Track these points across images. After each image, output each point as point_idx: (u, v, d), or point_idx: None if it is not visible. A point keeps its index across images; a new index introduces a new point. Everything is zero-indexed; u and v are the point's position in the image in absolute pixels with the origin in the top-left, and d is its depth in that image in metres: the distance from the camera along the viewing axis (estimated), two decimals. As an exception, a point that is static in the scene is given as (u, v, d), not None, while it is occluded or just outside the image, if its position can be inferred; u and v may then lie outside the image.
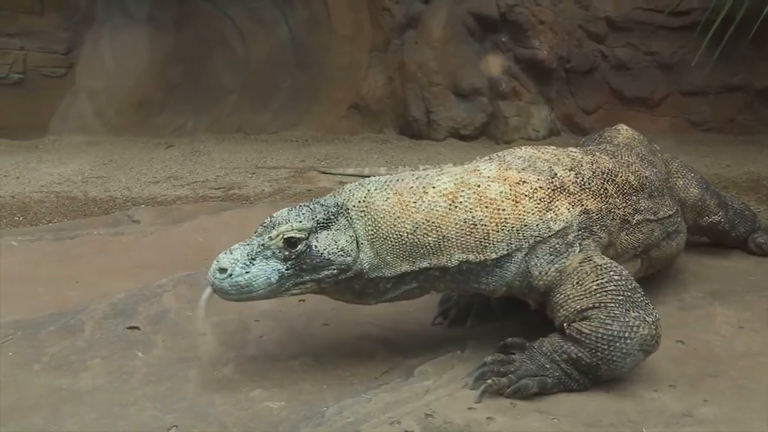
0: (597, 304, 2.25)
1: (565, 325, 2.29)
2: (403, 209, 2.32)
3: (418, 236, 2.31)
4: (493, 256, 2.35)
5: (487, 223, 2.34)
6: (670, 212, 2.91)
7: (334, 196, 2.41)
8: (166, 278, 3.21)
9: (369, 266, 2.32)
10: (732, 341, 2.66)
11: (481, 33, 8.39)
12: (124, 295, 3.06)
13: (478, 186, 2.39)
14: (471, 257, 2.34)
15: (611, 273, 2.30)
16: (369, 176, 2.59)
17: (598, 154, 2.80)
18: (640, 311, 2.25)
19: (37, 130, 8.09)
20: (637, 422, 2.12)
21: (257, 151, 7.83)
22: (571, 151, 2.74)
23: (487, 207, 2.35)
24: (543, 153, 2.65)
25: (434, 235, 2.32)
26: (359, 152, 7.81)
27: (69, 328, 2.78)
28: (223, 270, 2.23)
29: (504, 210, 2.36)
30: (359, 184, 2.42)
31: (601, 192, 2.58)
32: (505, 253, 2.36)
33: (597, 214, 2.51)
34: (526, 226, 2.37)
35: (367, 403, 2.22)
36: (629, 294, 2.27)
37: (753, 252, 3.56)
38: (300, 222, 2.28)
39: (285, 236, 2.25)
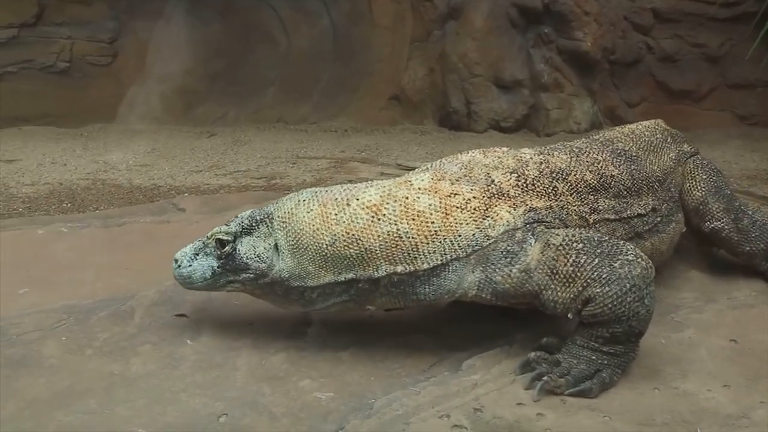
0: (585, 284, 2.24)
1: (570, 316, 2.30)
2: (323, 221, 2.35)
3: (338, 248, 2.33)
4: (425, 266, 2.33)
5: (415, 236, 2.32)
6: (641, 212, 2.77)
7: (272, 205, 2.51)
8: (213, 267, 3.23)
9: (289, 275, 2.39)
10: (787, 342, 2.60)
11: (524, 24, 8.31)
12: (172, 283, 3.07)
13: (406, 198, 2.37)
14: (399, 268, 2.33)
15: (574, 245, 2.29)
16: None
17: (556, 153, 2.71)
18: (619, 257, 2.25)
19: (83, 118, 8.22)
20: (692, 422, 2.09)
21: (298, 141, 7.87)
22: (520, 152, 2.68)
23: (414, 220, 2.33)
24: (486, 157, 2.61)
25: (355, 248, 2.32)
26: (399, 143, 7.80)
27: (119, 314, 2.82)
28: (175, 261, 2.55)
29: (433, 223, 2.34)
30: (294, 195, 2.49)
31: (550, 191, 2.53)
32: (440, 263, 2.34)
33: (547, 210, 2.47)
34: (460, 236, 2.34)
35: (416, 396, 2.22)
36: (599, 250, 2.27)
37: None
38: (229, 226, 2.48)
39: (216, 237, 2.47)
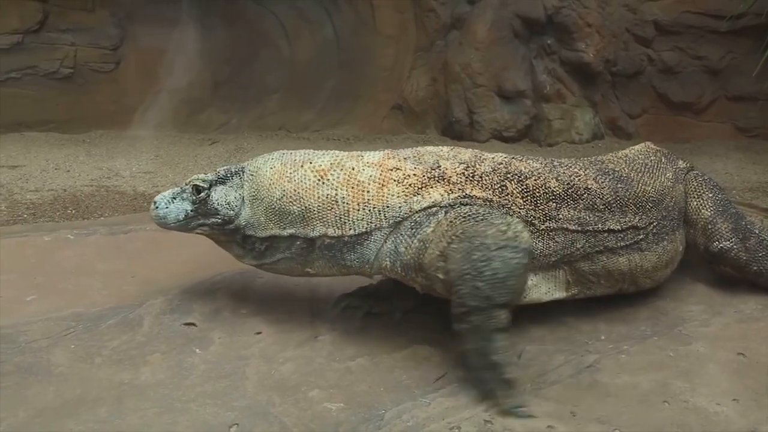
0: (450, 240, 2.32)
1: (439, 275, 2.36)
2: (279, 177, 2.61)
3: (284, 203, 2.58)
4: (351, 232, 2.51)
5: (349, 202, 2.51)
6: (615, 227, 2.77)
7: (248, 161, 2.77)
8: (220, 276, 3.25)
9: (245, 223, 2.66)
10: (795, 356, 2.61)
11: (527, 35, 8.33)
12: (179, 291, 3.11)
13: (352, 169, 2.56)
14: (330, 231, 2.52)
15: (464, 210, 2.39)
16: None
17: (529, 161, 2.76)
18: (488, 221, 2.31)
19: (86, 124, 8.22)
20: (702, 436, 2.10)
21: (300, 149, 7.86)
22: (483, 153, 2.75)
23: (353, 188, 2.52)
24: (450, 152, 2.71)
25: (298, 205, 2.55)
26: (401, 152, 7.79)
27: (128, 322, 2.83)
28: (154, 203, 2.81)
29: (368, 192, 2.51)
30: (269, 154, 2.74)
31: (496, 186, 2.58)
32: (364, 230, 2.50)
33: (483, 201, 2.52)
34: (388, 207, 2.49)
35: (426, 408, 2.23)
36: (482, 217, 2.35)
37: None
38: (206, 174, 2.76)
39: (193, 184, 2.74)
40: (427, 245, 2.40)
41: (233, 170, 2.75)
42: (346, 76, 8.82)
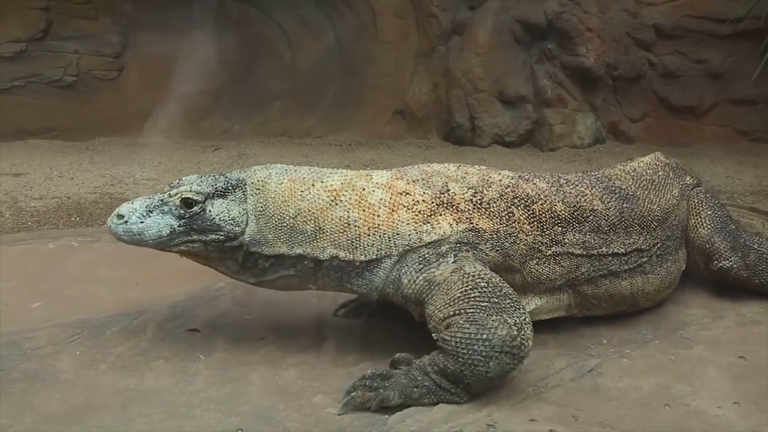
0: (458, 311, 2.25)
1: (434, 335, 2.30)
2: (291, 195, 2.46)
3: (298, 222, 2.44)
4: (362, 258, 2.44)
5: (360, 225, 2.43)
6: (620, 250, 2.75)
7: (241, 172, 2.57)
8: (224, 282, 3.25)
9: (250, 240, 2.46)
10: (796, 359, 2.62)
11: (528, 40, 8.36)
12: (183, 298, 3.13)
13: (363, 189, 2.49)
14: (341, 254, 2.44)
15: (477, 280, 2.30)
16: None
17: (536, 180, 2.72)
18: (503, 315, 2.22)
19: (89, 131, 8.26)
20: (703, 439, 2.11)
21: (302, 155, 7.90)
22: (495, 172, 2.70)
23: (364, 210, 2.45)
24: (457, 171, 2.65)
25: (312, 225, 2.44)
26: (403, 158, 7.83)
27: (132, 329, 2.85)
28: (120, 216, 2.48)
29: (378, 216, 2.44)
30: (265, 167, 2.57)
31: (503, 214, 2.55)
32: (374, 257, 2.44)
33: (490, 234, 2.49)
34: (398, 234, 2.43)
35: (429, 412, 2.23)
36: (496, 300, 2.25)
37: None
38: (200, 186, 2.48)
39: (183, 196, 2.46)
40: (433, 289, 2.36)
41: (232, 183, 2.50)
42: (348, 82, 8.87)
